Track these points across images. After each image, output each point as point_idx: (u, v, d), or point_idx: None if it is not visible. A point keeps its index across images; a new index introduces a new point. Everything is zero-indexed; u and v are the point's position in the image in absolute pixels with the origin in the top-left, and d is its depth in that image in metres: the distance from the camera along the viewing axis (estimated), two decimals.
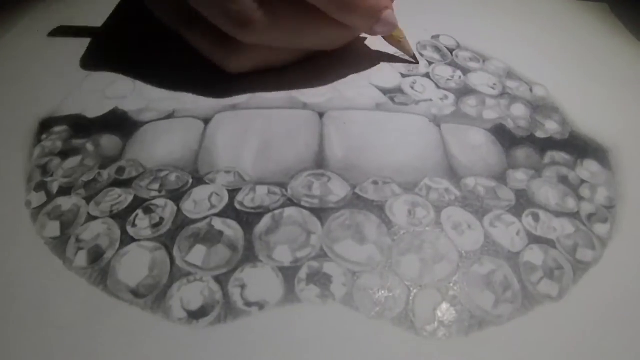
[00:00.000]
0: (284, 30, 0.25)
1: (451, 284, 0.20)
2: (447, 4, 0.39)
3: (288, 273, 0.20)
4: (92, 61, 0.31)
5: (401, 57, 0.32)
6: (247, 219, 0.21)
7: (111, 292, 0.19)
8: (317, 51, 0.30)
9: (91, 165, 0.24)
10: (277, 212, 0.22)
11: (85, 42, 0.33)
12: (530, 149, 0.26)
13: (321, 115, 0.27)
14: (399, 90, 0.29)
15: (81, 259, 0.20)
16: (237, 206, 0.22)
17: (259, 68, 0.28)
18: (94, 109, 0.28)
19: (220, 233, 0.21)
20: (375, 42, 0.32)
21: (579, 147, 0.26)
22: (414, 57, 0.31)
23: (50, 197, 0.23)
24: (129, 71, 0.30)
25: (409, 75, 0.30)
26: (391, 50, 0.32)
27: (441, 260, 0.20)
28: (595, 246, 0.22)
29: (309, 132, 0.26)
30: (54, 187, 0.23)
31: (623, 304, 0.20)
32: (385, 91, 0.29)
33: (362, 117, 0.27)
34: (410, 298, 0.19)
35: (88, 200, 0.23)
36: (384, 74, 0.30)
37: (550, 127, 0.27)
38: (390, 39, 0.30)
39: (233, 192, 0.23)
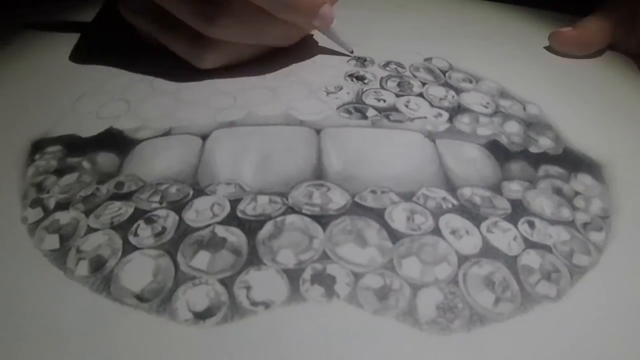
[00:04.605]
0: (243, 28, 0.30)
1: (452, 284, 0.20)
2: (440, 29, 0.40)
3: (292, 274, 0.20)
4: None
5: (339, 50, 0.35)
6: (250, 226, 0.21)
7: (115, 298, 0.19)
8: (276, 47, 0.34)
9: (88, 181, 0.24)
10: (279, 219, 0.22)
11: (76, 64, 0.34)
12: (524, 162, 0.26)
13: (318, 131, 0.27)
14: (394, 108, 0.30)
15: (83, 268, 0.20)
16: (239, 214, 0.22)
17: (230, 62, 0.32)
18: (88, 129, 0.28)
19: (224, 239, 0.21)
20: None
21: (572, 161, 0.27)
22: (350, 50, 0.35)
23: (47, 212, 0.23)
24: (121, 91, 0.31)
25: (403, 95, 0.31)
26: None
27: (441, 262, 0.20)
28: (591, 252, 0.22)
29: (307, 147, 0.26)
30: (51, 203, 0.23)
31: (620, 306, 0.20)
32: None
33: (359, 134, 0.27)
34: (413, 296, 0.19)
35: (87, 213, 0.22)
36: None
37: (544, 143, 0.28)
38: (328, 33, 0.34)
39: (234, 202, 0.23)
